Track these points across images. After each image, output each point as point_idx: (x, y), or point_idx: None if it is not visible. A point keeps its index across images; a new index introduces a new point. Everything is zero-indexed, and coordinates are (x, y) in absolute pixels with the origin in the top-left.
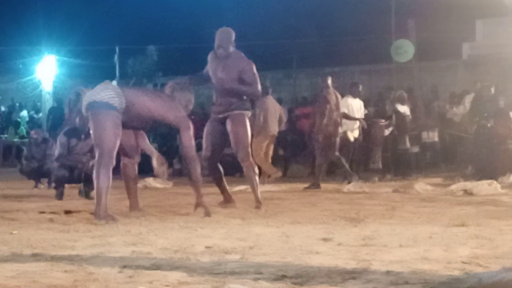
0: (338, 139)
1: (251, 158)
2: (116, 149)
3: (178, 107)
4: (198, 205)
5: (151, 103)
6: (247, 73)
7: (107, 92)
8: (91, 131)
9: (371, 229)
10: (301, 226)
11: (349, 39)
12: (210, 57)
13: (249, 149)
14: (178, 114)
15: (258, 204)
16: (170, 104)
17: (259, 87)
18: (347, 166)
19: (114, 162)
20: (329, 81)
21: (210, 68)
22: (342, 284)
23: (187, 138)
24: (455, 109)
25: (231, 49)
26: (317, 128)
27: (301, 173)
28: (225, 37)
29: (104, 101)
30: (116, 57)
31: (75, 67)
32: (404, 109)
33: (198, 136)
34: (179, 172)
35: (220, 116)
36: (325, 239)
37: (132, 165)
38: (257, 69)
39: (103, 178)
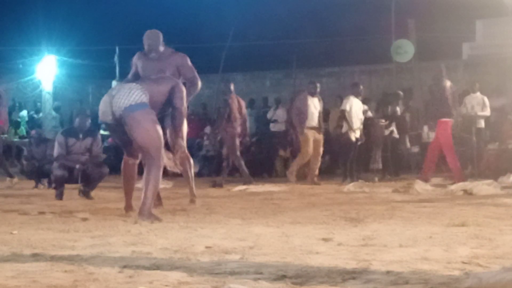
0: (237, 141)
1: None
2: (163, 146)
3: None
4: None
5: (160, 86)
6: (185, 67)
7: (136, 92)
8: (133, 135)
9: (371, 229)
10: (301, 226)
11: (349, 39)
12: (138, 60)
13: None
14: (172, 81)
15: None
16: (164, 78)
17: (197, 75)
18: (246, 170)
19: (164, 161)
20: (232, 87)
21: (141, 70)
22: (342, 284)
23: (179, 91)
24: (458, 109)
25: (162, 49)
26: (220, 131)
27: (302, 172)
28: (154, 39)
29: (138, 102)
30: (116, 57)
31: (75, 67)
32: (401, 109)
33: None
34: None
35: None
36: (325, 239)
37: (132, 164)
38: (258, 69)
39: (153, 179)
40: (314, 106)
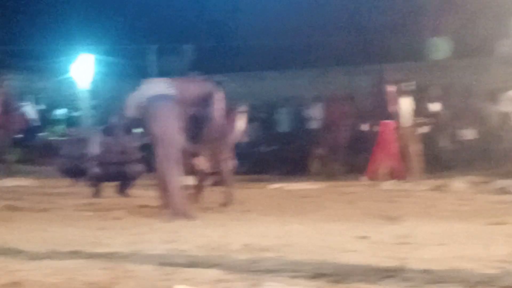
0: None
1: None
2: (178, 142)
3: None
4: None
5: (192, 84)
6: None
7: (161, 86)
8: (152, 126)
9: (408, 227)
10: (337, 224)
11: (384, 36)
12: None
13: None
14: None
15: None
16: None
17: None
18: None
19: (179, 156)
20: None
21: None
22: (379, 282)
23: (215, 102)
24: (491, 107)
25: None
26: None
27: (338, 170)
28: None
29: (163, 93)
30: (152, 55)
31: (111, 66)
32: (438, 106)
33: None
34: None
35: None
36: (361, 237)
37: None
38: (293, 67)
39: (173, 175)
40: (404, 103)
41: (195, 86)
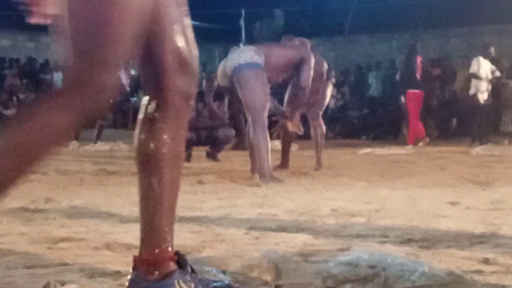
0: None
1: None
2: (267, 107)
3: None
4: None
5: (283, 49)
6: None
7: (248, 53)
8: (240, 94)
9: (501, 192)
10: (428, 189)
11: None
12: None
13: None
14: (302, 51)
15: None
16: (292, 46)
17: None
18: None
19: (267, 122)
20: None
21: None
22: (470, 248)
23: (307, 69)
24: None
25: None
26: None
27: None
28: None
29: (248, 61)
30: (242, 20)
31: (201, 31)
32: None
33: None
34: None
35: None
36: (453, 203)
37: None
38: (384, 31)
39: (261, 139)
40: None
41: (284, 52)
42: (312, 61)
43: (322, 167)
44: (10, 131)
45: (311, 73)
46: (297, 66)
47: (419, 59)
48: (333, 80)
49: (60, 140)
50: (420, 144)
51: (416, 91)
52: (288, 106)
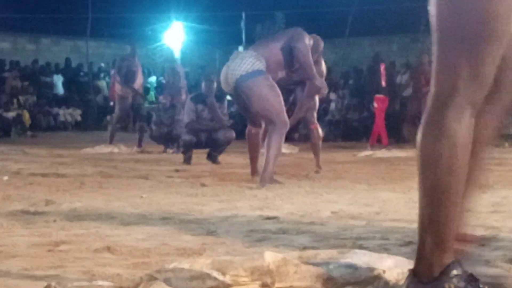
0: None
1: None
2: (284, 110)
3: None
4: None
5: (278, 43)
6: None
7: (248, 61)
8: (252, 105)
9: (501, 195)
10: None
11: None
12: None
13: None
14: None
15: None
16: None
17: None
18: None
19: (288, 125)
20: None
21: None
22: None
23: (304, 50)
24: None
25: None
26: None
27: None
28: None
29: (250, 71)
30: (242, 22)
31: (202, 33)
32: None
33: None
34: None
35: None
36: None
37: (256, 133)
38: (384, 34)
39: (275, 146)
40: None
41: (280, 45)
42: (305, 38)
43: (321, 169)
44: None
45: (306, 44)
46: (294, 64)
47: (382, 67)
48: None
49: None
50: (382, 150)
51: (381, 96)
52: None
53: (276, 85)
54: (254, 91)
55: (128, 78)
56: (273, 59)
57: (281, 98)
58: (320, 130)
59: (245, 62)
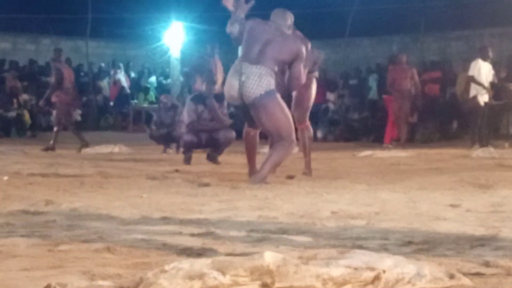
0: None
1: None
2: (293, 130)
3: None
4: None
5: (285, 53)
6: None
7: (265, 80)
8: (265, 123)
9: (501, 195)
10: (428, 192)
11: (478, 1)
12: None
13: None
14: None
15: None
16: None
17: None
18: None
19: (295, 142)
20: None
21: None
22: (470, 251)
23: (298, 69)
24: None
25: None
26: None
27: (429, 138)
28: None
29: (267, 90)
30: None
31: (202, 33)
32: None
33: (324, 101)
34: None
35: None
36: (453, 205)
37: (254, 135)
38: (384, 34)
39: (278, 155)
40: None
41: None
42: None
43: (311, 171)
44: None
45: (302, 74)
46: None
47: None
48: (317, 74)
49: None
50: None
51: (389, 96)
52: (295, 109)
53: (285, 105)
54: (270, 112)
55: (209, 77)
56: (279, 67)
57: (290, 116)
58: (311, 131)
59: (263, 81)
